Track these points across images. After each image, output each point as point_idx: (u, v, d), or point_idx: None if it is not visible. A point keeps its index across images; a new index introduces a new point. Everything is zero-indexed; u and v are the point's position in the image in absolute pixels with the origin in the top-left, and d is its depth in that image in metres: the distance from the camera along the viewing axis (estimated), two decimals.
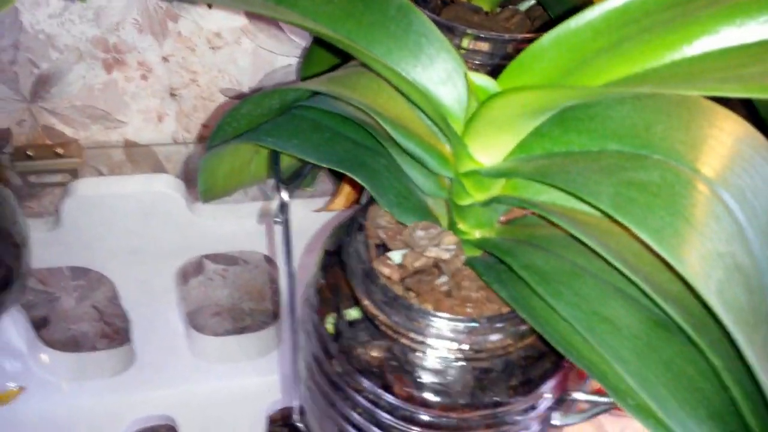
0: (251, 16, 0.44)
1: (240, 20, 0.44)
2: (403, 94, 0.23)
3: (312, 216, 0.46)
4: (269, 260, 0.57)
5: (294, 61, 0.47)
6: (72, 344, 0.61)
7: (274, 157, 0.26)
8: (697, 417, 0.18)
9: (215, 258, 0.57)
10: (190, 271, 0.58)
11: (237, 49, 0.46)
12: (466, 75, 0.21)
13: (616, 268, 0.20)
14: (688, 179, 0.19)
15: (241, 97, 0.48)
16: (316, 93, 0.27)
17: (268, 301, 0.62)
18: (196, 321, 0.62)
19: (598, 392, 0.20)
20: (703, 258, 0.17)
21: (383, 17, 0.22)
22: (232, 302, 0.61)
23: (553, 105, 0.19)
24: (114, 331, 0.61)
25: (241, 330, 0.63)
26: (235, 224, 0.46)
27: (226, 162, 0.28)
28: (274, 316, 0.62)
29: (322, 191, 0.51)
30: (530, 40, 0.32)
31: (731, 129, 0.19)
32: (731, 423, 0.18)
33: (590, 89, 0.18)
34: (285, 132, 0.25)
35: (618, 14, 0.19)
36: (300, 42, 0.46)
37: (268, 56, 0.46)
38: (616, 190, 0.18)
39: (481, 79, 0.21)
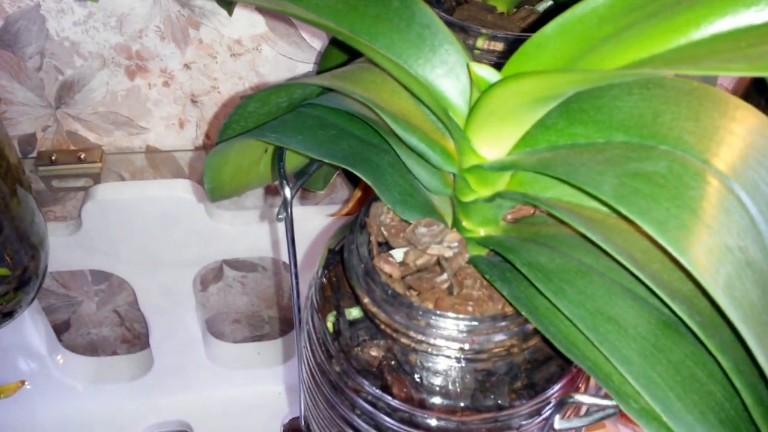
0: (271, 23, 0.45)
1: (260, 28, 0.45)
2: (406, 87, 0.23)
3: (328, 222, 0.46)
4: (288, 267, 0.57)
5: (314, 67, 0.47)
6: (92, 348, 0.61)
7: (279, 154, 0.26)
8: (706, 422, 0.17)
9: (235, 265, 0.57)
10: (210, 278, 0.58)
11: (257, 56, 0.46)
12: (468, 66, 0.21)
13: (623, 266, 0.19)
14: (697, 170, 0.18)
15: None
16: (323, 90, 0.27)
17: (286, 309, 0.62)
18: (215, 328, 0.62)
19: (605, 396, 0.19)
20: (711, 252, 0.16)
21: (386, 10, 0.22)
22: (251, 309, 0.61)
23: (555, 91, 0.18)
24: (134, 336, 0.61)
25: (259, 338, 0.63)
26: (253, 230, 0.47)
27: (232, 161, 0.28)
28: (293, 324, 0.62)
29: (340, 199, 0.51)
30: None
31: (744, 119, 0.18)
32: (742, 429, 0.17)
33: (593, 72, 0.17)
34: (290, 128, 0.25)
35: (623, 0, 0.18)
36: (319, 48, 0.46)
37: (288, 63, 0.47)
38: (619, 180, 0.18)
39: (484, 70, 0.20)
